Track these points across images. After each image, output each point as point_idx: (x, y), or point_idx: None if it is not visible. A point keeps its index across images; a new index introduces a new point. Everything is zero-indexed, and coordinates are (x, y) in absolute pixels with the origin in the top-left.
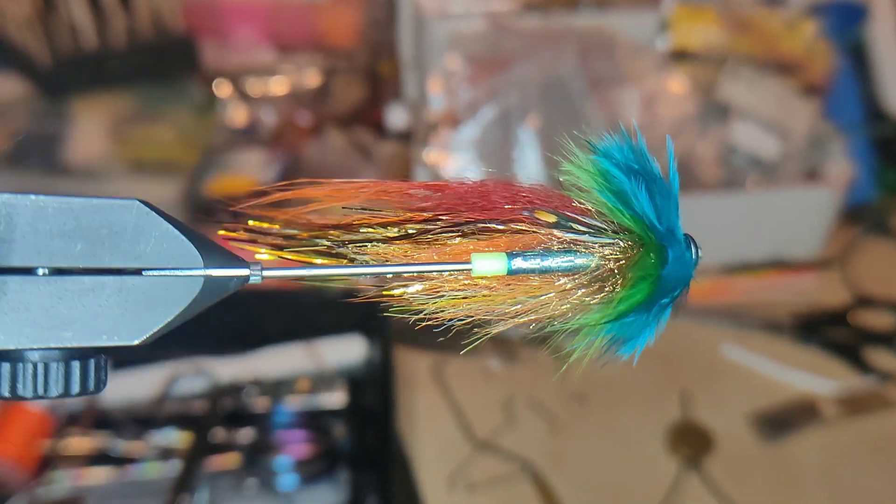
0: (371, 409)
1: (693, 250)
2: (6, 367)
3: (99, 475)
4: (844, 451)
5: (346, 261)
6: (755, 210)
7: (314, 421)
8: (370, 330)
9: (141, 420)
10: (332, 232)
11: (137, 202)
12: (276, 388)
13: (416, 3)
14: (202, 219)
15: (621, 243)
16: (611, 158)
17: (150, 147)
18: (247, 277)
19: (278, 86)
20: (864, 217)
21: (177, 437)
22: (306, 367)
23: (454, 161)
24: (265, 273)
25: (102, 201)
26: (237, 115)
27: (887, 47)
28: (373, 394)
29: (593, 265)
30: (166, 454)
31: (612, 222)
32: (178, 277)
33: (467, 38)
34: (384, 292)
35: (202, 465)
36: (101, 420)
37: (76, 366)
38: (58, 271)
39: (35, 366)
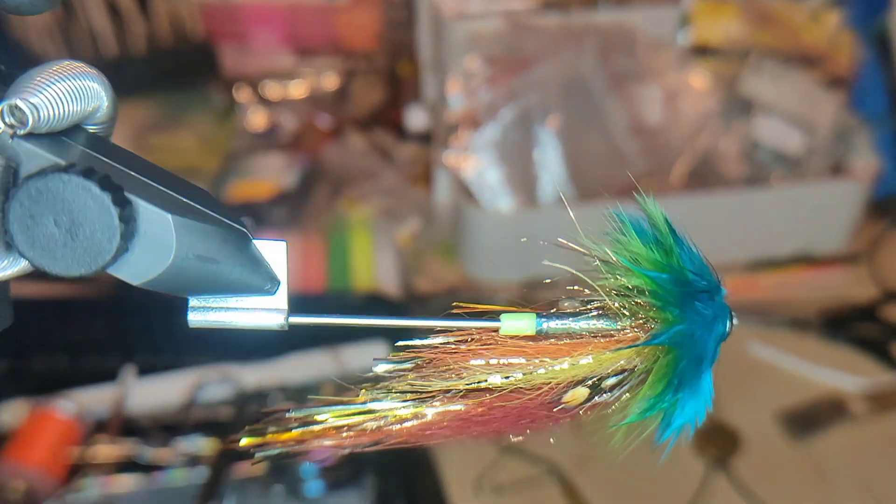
0: None
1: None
2: None
3: (127, 482)
4: (874, 449)
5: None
6: (780, 205)
7: None
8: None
9: (168, 427)
10: None
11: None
12: (302, 394)
13: (434, 3)
14: None
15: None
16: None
17: (172, 154)
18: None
19: (298, 89)
20: (892, 210)
21: (203, 444)
22: (331, 373)
23: (474, 162)
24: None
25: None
26: (257, 120)
27: None
28: None
29: (623, 327)
30: (193, 461)
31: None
32: None
33: (486, 37)
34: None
35: (229, 472)
36: (129, 427)
37: None
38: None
39: None
